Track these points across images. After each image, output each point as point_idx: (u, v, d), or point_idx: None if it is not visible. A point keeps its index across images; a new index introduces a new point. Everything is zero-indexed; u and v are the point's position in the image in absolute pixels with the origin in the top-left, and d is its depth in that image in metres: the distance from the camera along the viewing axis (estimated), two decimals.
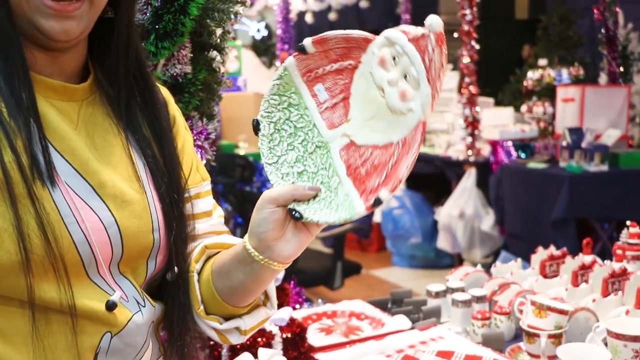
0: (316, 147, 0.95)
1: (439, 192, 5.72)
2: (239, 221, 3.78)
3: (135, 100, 0.98)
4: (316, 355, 1.66)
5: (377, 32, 0.93)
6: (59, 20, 0.86)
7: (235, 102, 5.49)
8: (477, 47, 5.26)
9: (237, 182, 4.21)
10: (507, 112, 5.85)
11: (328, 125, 0.95)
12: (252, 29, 10.74)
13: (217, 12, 1.61)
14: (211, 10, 1.60)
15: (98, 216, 0.88)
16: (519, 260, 2.20)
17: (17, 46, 0.85)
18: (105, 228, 0.88)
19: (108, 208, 0.89)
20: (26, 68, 0.86)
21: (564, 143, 4.48)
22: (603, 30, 5.04)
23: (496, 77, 7.68)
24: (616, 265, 1.89)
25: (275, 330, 1.60)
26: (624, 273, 1.84)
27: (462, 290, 1.95)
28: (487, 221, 5.08)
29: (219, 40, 1.63)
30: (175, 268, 0.97)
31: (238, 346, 1.54)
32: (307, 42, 0.94)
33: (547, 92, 5.80)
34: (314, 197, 0.92)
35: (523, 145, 5.05)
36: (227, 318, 1.01)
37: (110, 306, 0.88)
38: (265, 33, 10.88)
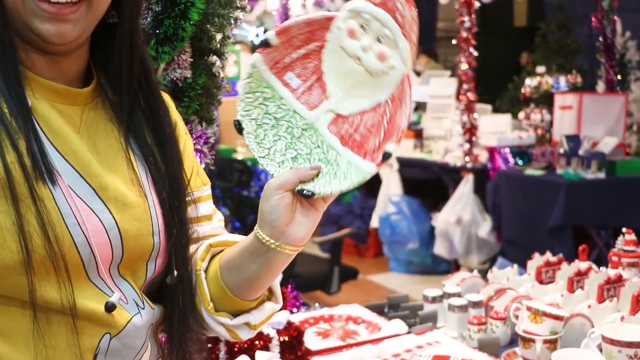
0: (302, 130, 0.98)
1: (437, 198, 5.73)
2: (236, 226, 3.78)
3: (138, 105, 0.99)
4: (313, 359, 1.67)
5: None
6: (55, 23, 0.86)
7: (233, 106, 5.41)
8: (476, 54, 5.27)
9: (235, 187, 4.22)
10: (505, 119, 5.87)
11: (309, 108, 0.98)
12: (251, 34, 10.76)
13: (217, 17, 1.62)
14: (211, 16, 1.61)
15: (99, 218, 0.88)
16: (515, 266, 2.21)
17: (11, 48, 0.86)
18: (105, 230, 0.89)
19: (109, 210, 0.90)
20: (18, 69, 0.86)
21: (561, 150, 4.50)
22: (601, 39, 5.06)
23: (494, 84, 7.71)
24: (611, 272, 1.90)
25: (272, 333, 1.61)
26: (619, 279, 1.86)
27: (459, 295, 1.96)
28: (484, 227, 5.09)
29: (218, 45, 1.64)
30: (175, 272, 0.98)
31: (235, 348, 1.55)
32: (270, 35, 0.96)
33: (545, 100, 5.82)
34: (317, 174, 0.95)
35: (520, 152, 5.06)
36: (236, 315, 1.02)
37: (110, 307, 0.89)
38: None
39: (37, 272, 0.82)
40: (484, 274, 2.22)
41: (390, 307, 2.06)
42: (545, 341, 1.61)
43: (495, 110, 6.79)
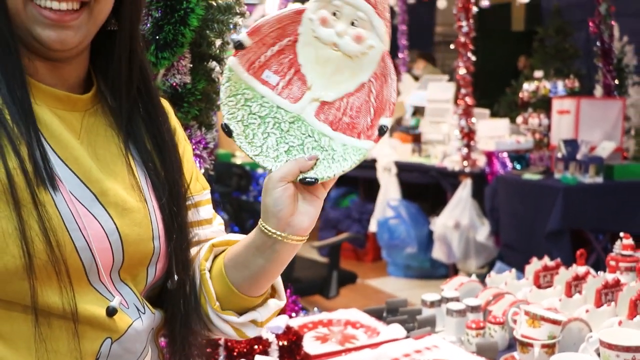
0: (290, 123, 1.00)
1: (435, 203, 5.73)
2: (235, 230, 3.79)
3: (138, 112, 1.00)
4: None
5: None
6: (56, 30, 0.87)
7: None
8: (474, 58, 5.29)
9: (234, 191, 4.23)
10: (503, 123, 5.88)
11: (292, 101, 1.00)
12: None
13: (216, 23, 1.63)
14: (211, 22, 1.62)
15: (100, 223, 0.89)
16: (513, 270, 2.22)
17: (15, 54, 0.87)
18: (106, 235, 0.90)
19: (110, 216, 0.91)
20: (24, 76, 0.87)
21: (559, 155, 4.51)
22: (598, 43, 5.07)
23: (492, 89, 7.73)
24: (609, 276, 1.91)
25: (271, 338, 1.61)
26: (617, 284, 1.86)
27: (457, 300, 1.97)
28: (483, 232, 5.10)
29: (218, 51, 1.65)
30: (176, 276, 0.98)
31: (235, 353, 1.56)
32: (243, 36, 0.98)
33: (543, 104, 5.84)
34: (315, 163, 0.97)
35: (518, 156, 5.07)
36: (242, 313, 1.03)
37: (111, 312, 0.89)
38: None
39: (39, 277, 0.83)
40: (482, 278, 2.23)
41: (388, 311, 2.07)
42: (543, 346, 1.61)
43: (493, 114, 6.81)
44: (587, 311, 1.79)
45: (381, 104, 0.96)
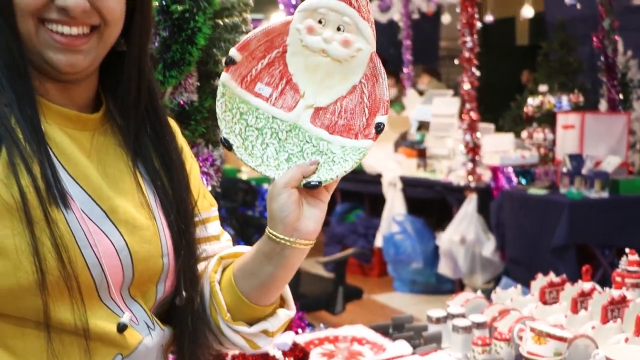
0: (287, 132, 1.01)
1: (440, 218, 5.73)
2: (241, 245, 3.79)
3: (145, 131, 1.01)
4: None
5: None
6: (67, 54, 0.89)
7: None
8: (478, 73, 5.30)
9: (240, 207, 4.23)
10: (508, 138, 5.89)
11: (286, 110, 1.02)
12: None
13: (223, 41, 1.65)
14: (217, 40, 1.64)
15: (110, 241, 0.91)
16: (519, 286, 2.21)
17: (26, 76, 0.89)
18: (117, 252, 0.91)
19: (120, 233, 0.92)
20: (34, 96, 0.89)
21: (565, 169, 4.51)
22: (602, 58, 5.09)
23: (497, 103, 7.74)
24: (615, 293, 1.90)
25: (278, 354, 1.62)
26: (623, 300, 1.86)
27: (463, 316, 1.97)
28: (488, 247, 5.09)
29: None
30: (184, 293, 0.99)
31: None
32: (233, 52, 1.00)
33: (548, 119, 5.84)
34: (317, 167, 0.99)
35: (524, 171, 5.07)
36: (252, 324, 1.04)
37: (121, 328, 0.90)
38: None
39: (51, 293, 0.84)
40: (488, 293, 2.23)
41: (394, 327, 2.07)
42: None
43: (498, 129, 6.81)
44: (593, 328, 1.79)
45: (375, 103, 0.99)
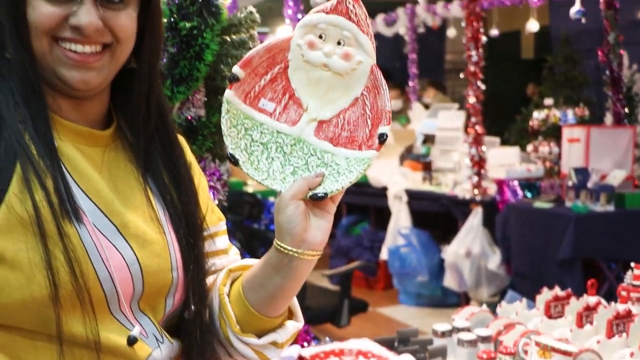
0: (292, 146, 1.03)
1: (446, 231, 5.73)
2: (246, 257, 3.80)
3: (155, 147, 1.03)
4: None
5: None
6: (80, 71, 0.92)
7: None
8: (483, 87, 5.31)
9: (246, 220, 4.24)
10: (513, 151, 5.89)
11: (290, 124, 1.03)
12: None
13: (230, 58, 1.67)
14: (225, 56, 1.66)
15: (122, 255, 0.92)
16: (524, 300, 2.22)
17: (40, 93, 0.91)
18: (127, 266, 0.93)
19: (131, 247, 0.94)
20: (47, 113, 0.91)
21: (570, 183, 4.51)
22: (608, 72, 5.09)
23: (502, 117, 7.75)
24: (620, 307, 1.91)
25: None
26: (628, 315, 1.86)
27: (468, 330, 1.97)
28: (494, 260, 5.08)
29: None
30: (192, 306, 1.01)
31: None
32: (236, 69, 1.02)
33: (553, 132, 5.84)
34: (322, 179, 1.01)
35: (529, 184, 5.07)
36: (261, 335, 1.05)
37: (132, 341, 0.92)
38: None
39: (63, 306, 0.86)
40: (493, 307, 2.23)
41: (400, 341, 2.07)
42: None
43: (504, 142, 6.82)
44: (598, 342, 1.79)
45: (377, 114, 1.00)
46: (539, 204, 4.63)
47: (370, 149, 1.00)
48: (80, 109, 0.97)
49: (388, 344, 2.04)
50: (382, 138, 0.99)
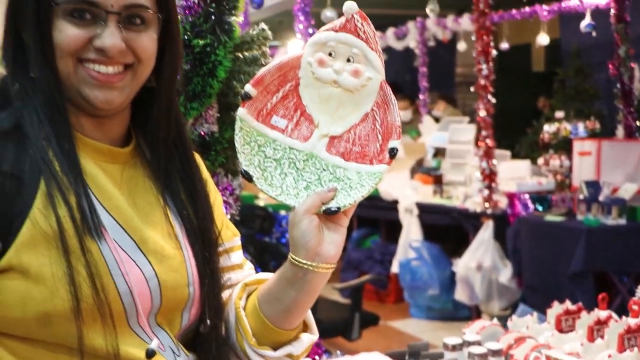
0: (304, 161, 1.05)
1: (457, 244, 5.72)
2: (258, 272, 3.80)
3: (173, 164, 1.06)
4: None
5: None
6: (103, 91, 0.95)
7: None
8: (494, 100, 5.32)
9: (257, 233, 4.26)
10: (524, 164, 5.88)
11: (302, 140, 1.05)
12: None
13: (243, 74, 1.70)
14: (237, 73, 1.69)
15: (141, 270, 0.95)
16: (535, 314, 2.22)
17: (64, 112, 0.94)
18: (146, 281, 0.95)
19: (149, 262, 0.96)
20: (71, 131, 0.94)
21: (581, 196, 4.50)
22: (619, 85, 5.09)
23: (513, 130, 7.74)
24: (632, 321, 1.91)
25: None
26: (639, 329, 1.86)
27: (479, 343, 1.97)
28: (505, 273, 5.07)
29: None
30: (208, 321, 1.03)
31: None
32: (248, 88, 1.05)
33: (564, 145, 5.84)
34: (335, 193, 1.03)
35: (540, 197, 5.06)
36: (276, 348, 1.07)
37: (150, 354, 0.94)
38: None
39: (85, 320, 0.88)
40: (504, 320, 2.23)
41: (410, 355, 2.08)
42: None
43: (515, 155, 6.81)
44: (609, 356, 1.79)
45: (387, 129, 1.03)
46: (550, 217, 4.62)
47: (382, 163, 1.02)
48: (102, 127, 1.00)
49: (399, 358, 2.05)
50: (393, 152, 1.02)
